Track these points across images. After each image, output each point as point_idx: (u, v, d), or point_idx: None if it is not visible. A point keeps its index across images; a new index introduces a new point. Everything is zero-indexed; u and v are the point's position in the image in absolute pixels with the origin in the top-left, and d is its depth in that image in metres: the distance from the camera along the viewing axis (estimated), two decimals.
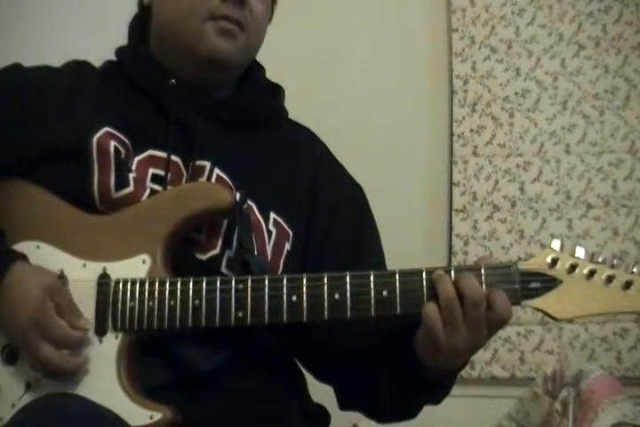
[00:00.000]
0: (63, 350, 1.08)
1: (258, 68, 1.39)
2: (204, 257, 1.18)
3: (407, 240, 2.41)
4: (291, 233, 1.26)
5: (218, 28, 1.25)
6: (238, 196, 1.19)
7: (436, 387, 1.17)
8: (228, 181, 1.23)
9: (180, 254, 1.16)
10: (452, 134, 2.54)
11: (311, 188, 1.31)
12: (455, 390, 1.21)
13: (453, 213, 2.49)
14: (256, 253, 1.20)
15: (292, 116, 1.41)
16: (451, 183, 2.51)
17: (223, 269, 1.18)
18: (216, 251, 1.19)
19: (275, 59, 1.42)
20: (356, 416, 1.34)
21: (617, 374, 2.23)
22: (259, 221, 1.23)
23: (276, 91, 1.39)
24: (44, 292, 1.08)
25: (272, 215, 1.24)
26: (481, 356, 2.33)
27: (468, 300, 1.04)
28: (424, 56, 2.62)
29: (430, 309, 1.05)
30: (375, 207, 1.39)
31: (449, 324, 1.05)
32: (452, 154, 2.53)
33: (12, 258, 1.13)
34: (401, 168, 2.55)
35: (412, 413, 1.24)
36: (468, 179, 2.50)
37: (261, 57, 1.38)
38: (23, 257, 1.15)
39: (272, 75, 1.41)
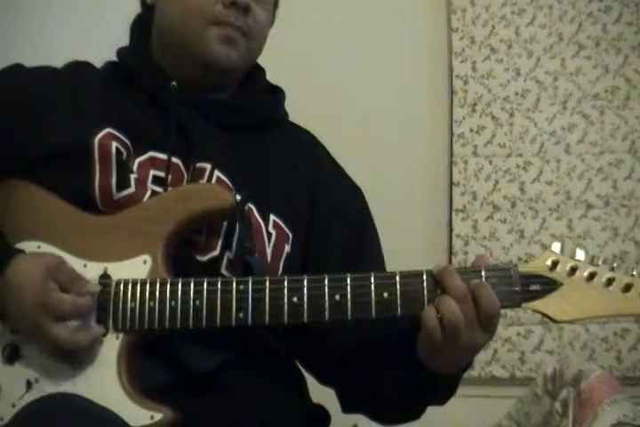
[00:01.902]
0: (73, 324, 1.08)
1: (258, 71, 1.39)
2: (203, 259, 1.19)
3: (407, 240, 2.40)
4: (290, 235, 1.26)
5: (221, 34, 1.25)
6: (239, 197, 1.19)
7: (440, 388, 1.17)
8: (228, 182, 1.23)
9: (180, 256, 1.16)
10: (452, 134, 2.53)
11: (311, 190, 1.31)
12: None
13: (453, 213, 2.49)
14: (256, 254, 1.20)
15: (291, 117, 1.41)
16: (451, 183, 2.51)
17: (223, 271, 1.19)
18: (216, 252, 1.19)
19: (275, 60, 1.42)
20: (355, 416, 1.34)
21: (617, 374, 2.22)
22: (258, 223, 1.23)
23: (277, 93, 1.39)
24: (44, 274, 1.08)
25: (272, 217, 1.25)
26: (481, 356, 2.32)
27: (455, 300, 1.04)
28: (424, 56, 2.62)
29: (430, 314, 1.05)
30: (375, 207, 1.39)
31: (449, 335, 1.05)
32: (451, 154, 2.52)
33: (11, 253, 1.13)
34: (401, 168, 2.54)
35: (416, 414, 1.24)
36: (467, 179, 2.49)
37: (261, 58, 1.38)
38: (22, 252, 1.15)
39: (272, 76, 1.41)
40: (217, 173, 1.23)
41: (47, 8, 2.45)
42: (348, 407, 1.29)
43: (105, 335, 1.11)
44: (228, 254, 1.19)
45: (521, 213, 2.45)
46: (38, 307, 1.07)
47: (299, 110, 1.41)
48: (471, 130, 2.52)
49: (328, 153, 1.40)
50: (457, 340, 1.05)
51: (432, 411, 1.25)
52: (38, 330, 1.08)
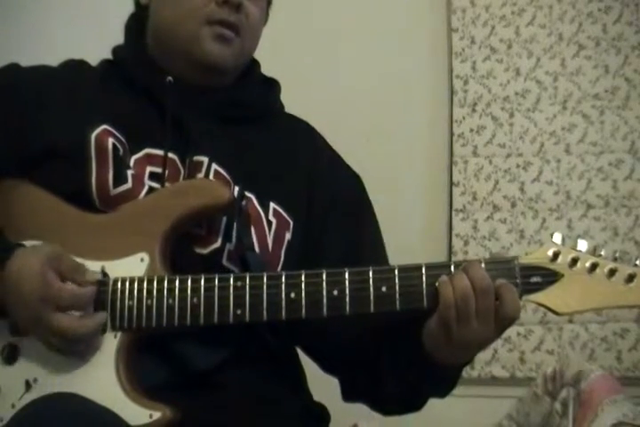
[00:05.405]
0: (76, 314, 1.07)
1: (253, 64, 1.39)
2: (205, 251, 1.18)
3: (407, 240, 2.40)
4: (291, 222, 1.26)
5: (214, 33, 1.25)
6: (236, 191, 1.19)
7: (441, 380, 1.17)
8: (226, 175, 1.23)
9: (181, 250, 1.16)
10: (452, 134, 2.54)
11: (310, 177, 1.31)
12: (455, 389, 1.21)
13: (453, 213, 2.49)
14: (257, 245, 1.20)
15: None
16: (451, 183, 2.51)
17: (225, 263, 1.19)
18: (217, 244, 1.19)
19: (274, 57, 1.42)
20: (355, 416, 1.33)
21: (617, 374, 2.22)
22: (258, 212, 1.23)
23: (272, 85, 1.39)
24: (44, 265, 1.07)
25: (272, 205, 1.25)
26: (481, 356, 2.33)
27: (476, 290, 1.04)
28: (424, 56, 2.62)
29: (447, 287, 1.05)
30: (375, 207, 1.38)
31: (462, 317, 1.04)
32: (452, 154, 2.53)
33: (11, 247, 1.13)
34: (401, 168, 2.54)
35: (417, 405, 1.24)
36: (467, 179, 2.49)
37: (260, 55, 1.38)
38: (21, 246, 1.14)
39: (272, 73, 1.40)
40: (214, 166, 1.23)
41: (47, 8, 2.46)
42: (348, 396, 1.29)
43: (103, 334, 1.11)
44: (229, 246, 1.19)
45: (521, 213, 2.45)
46: (38, 298, 1.06)
47: (298, 111, 1.41)
48: (471, 130, 2.52)
49: (326, 142, 1.40)
50: (469, 325, 1.04)
51: (432, 411, 1.25)
52: (40, 321, 1.07)
